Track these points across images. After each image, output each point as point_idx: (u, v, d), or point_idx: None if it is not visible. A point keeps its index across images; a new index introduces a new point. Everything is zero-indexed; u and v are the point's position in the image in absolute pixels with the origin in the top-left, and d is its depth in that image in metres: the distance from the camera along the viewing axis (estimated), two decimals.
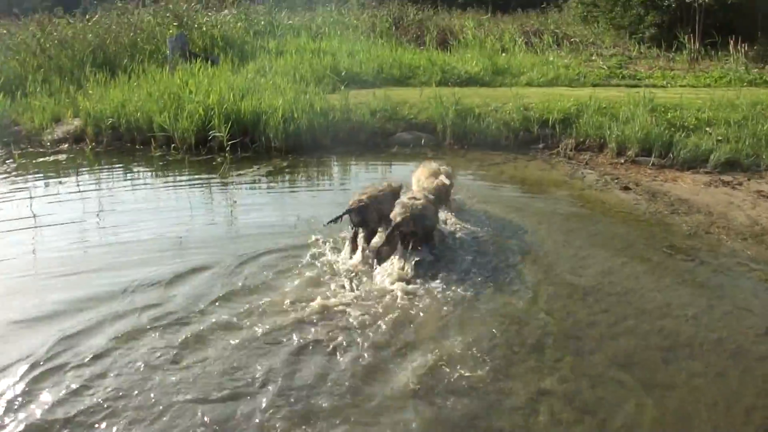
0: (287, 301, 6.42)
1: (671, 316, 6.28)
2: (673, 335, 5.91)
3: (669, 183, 10.71)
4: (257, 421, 4.65)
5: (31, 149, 13.97)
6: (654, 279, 7.09)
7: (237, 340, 5.70)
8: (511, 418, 4.73)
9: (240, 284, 6.85)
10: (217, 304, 6.42)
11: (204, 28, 21.99)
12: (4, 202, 10.22)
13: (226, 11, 24.50)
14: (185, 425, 4.60)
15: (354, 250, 7.56)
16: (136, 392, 4.99)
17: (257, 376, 5.17)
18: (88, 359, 5.42)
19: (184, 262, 7.44)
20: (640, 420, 4.74)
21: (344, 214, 7.48)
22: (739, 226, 8.68)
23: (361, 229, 7.61)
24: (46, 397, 4.94)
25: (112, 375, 5.21)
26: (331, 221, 7.53)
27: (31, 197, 10.45)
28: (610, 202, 9.79)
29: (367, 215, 7.52)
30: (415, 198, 7.58)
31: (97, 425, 4.63)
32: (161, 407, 4.79)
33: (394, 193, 8.11)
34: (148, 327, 5.96)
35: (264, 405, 4.80)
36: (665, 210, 9.39)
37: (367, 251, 7.50)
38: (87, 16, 21.43)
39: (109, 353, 5.52)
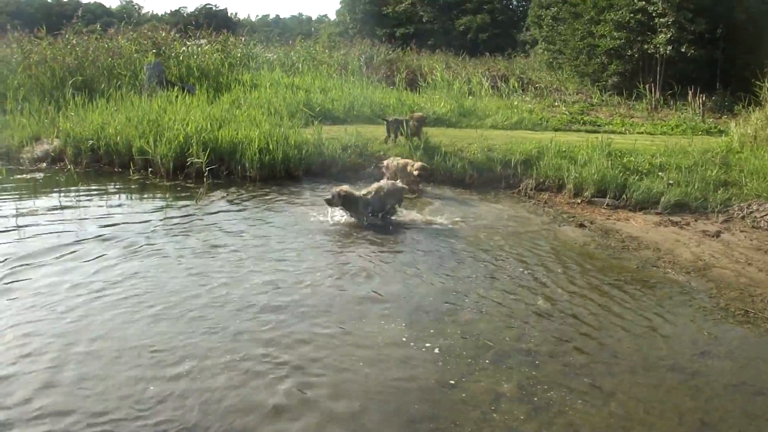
0: None
1: (617, 336, 6.95)
2: (618, 352, 6.58)
3: (621, 222, 11.42)
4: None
5: (10, 166, 14.29)
6: (603, 304, 7.76)
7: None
8: (471, 415, 5.31)
9: None
10: None
11: (181, 58, 22.44)
12: None
13: (204, 40, 24.99)
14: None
15: None
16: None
17: None
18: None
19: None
20: (587, 419, 5.37)
21: None
22: (684, 262, 9.40)
23: None
24: None
25: None
26: None
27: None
28: (567, 238, 10.45)
29: None
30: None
31: None
32: None
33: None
34: None
35: None
36: (617, 245, 10.10)
37: None
38: (67, 37, 21.70)
39: None
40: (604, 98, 25.82)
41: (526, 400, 5.54)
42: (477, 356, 6.27)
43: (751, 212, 11.71)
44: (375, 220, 10.75)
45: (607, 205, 12.37)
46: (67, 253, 8.75)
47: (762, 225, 11.23)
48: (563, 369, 6.13)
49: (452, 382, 5.78)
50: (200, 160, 13.44)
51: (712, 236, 10.69)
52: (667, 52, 24.34)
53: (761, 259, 9.62)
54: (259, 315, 7.06)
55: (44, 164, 14.68)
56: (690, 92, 22.55)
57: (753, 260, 9.57)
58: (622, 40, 26.16)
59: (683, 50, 24.12)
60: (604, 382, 5.94)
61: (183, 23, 28.83)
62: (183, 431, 4.95)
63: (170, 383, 5.58)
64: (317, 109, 17.72)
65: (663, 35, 24.38)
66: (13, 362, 5.87)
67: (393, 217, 11.00)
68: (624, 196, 12.48)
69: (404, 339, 6.61)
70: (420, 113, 15.52)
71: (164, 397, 5.36)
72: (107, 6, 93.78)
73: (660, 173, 13.10)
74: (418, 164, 12.63)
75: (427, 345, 6.47)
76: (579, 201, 12.66)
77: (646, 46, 25.30)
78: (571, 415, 5.37)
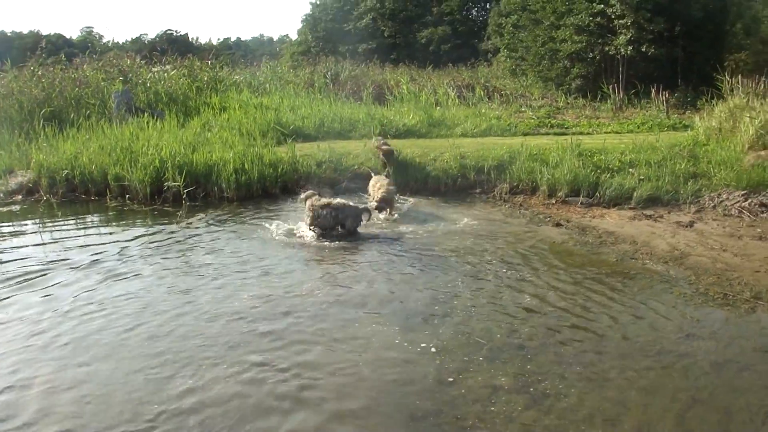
0: None
1: (604, 325, 7.17)
2: (606, 340, 6.81)
3: (597, 219, 11.69)
4: None
5: None
6: (586, 297, 7.98)
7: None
8: (472, 408, 5.48)
9: None
10: None
11: (148, 84, 22.45)
12: None
13: (169, 66, 25.01)
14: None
15: None
16: None
17: None
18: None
19: None
20: (583, 403, 5.56)
21: None
22: (661, 252, 9.66)
23: None
24: None
25: None
26: None
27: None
28: (545, 237, 10.68)
29: None
30: None
31: None
32: None
33: None
34: None
35: None
36: (594, 241, 10.35)
37: None
38: (32, 69, 21.62)
39: None
40: (569, 101, 26.27)
41: (523, 391, 5.71)
42: (471, 353, 6.44)
43: (722, 201, 12.03)
44: (327, 234, 10.81)
45: (582, 203, 12.63)
46: (51, 280, 8.80)
47: (733, 212, 11.55)
48: (556, 359, 6.32)
49: (450, 379, 5.94)
50: (177, 184, 13.50)
51: (686, 226, 10.97)
52: (628, 52, 24.87)
53: (735, 245, 9.91)
54: (252, 326, 7.18)
55: (19, 196, 14.59)
56: (653, 90, 23.01)
57: (727, 246, 9.86)
58: (583, 44, 26.66)
59: (644, 50, 24.66)
60: (596, 369, 6.14)
61: (146, 50, 28.88)
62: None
63: (171, 399, 5.65)
64: (290, 127, 17.83)
65: (623, 36, 24.90)
66: (9, 386, 5.92)
67: (361, 231, 11.10)
68: (597, 194, 12.76)
69: (399, 341, 6.76)
70: (386, 146, 14.64)
71: (168, 413, 5.43)
72: (68, 36, 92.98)
73: (630, 170, 13.40)
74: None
75: (423, 345, 6.63)
76: (554, 201, 12.91)
77: (607, 48, 25.83)
78: (568, 401, 5.56)
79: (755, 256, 9.43)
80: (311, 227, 10.82)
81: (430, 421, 5.30)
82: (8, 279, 8.86)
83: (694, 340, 6.78)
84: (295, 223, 11.45)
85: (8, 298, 8.18)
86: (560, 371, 6.08)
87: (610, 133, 18.51)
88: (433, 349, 6.53)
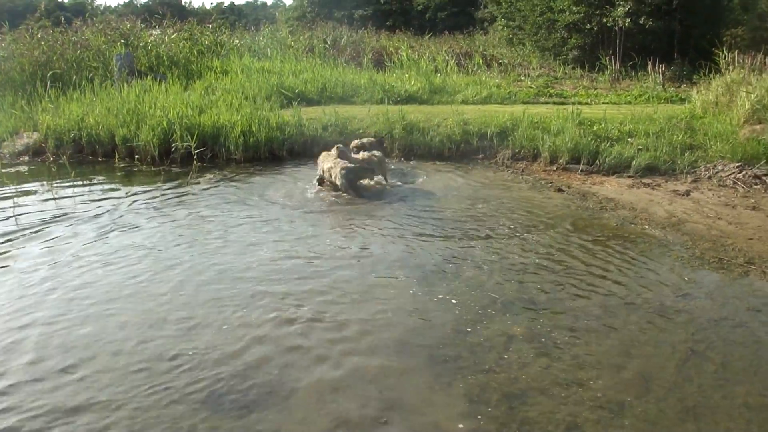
0: None
1: (607, 283, 7.63)
2: (610, 296, 7.27)
3: (597, 186, 12.07)
4: None
5: None
6: (590, 257, 8.42)
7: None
8: (489, 355, 5.94)
9: None
10: None
11: (149, 47, 22.54)
12: None
13: (170, 30, 25.07)
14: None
15: None
16: None
17: None
18: None
19: None
20: (590, 353, 6.02)
21: None
22: (659, 219, 10.07)
23: None
24: None
25: None
26: None
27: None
28: (547, 201, 11.08)
29: None
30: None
31: None
32: None
33: None
34: None
35: None
36: (595, 207, 10.75)
37: None
38: (32, 32, 21.68)
39: None
40: (566, 71, 26.49)
41: (535, 341, 6.16)
42: (485, 306, 6.89)
43: (717, 172, 12.40)
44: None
45: (582, 170, 12.99)
46: (63, 233, 9.36)
47: (728, 183, 11.94)
48: (563, 313, 6.77)
49: (468, 329, 6.39)
50: (188, 144, 13.81)
51: (683, 195, 11.37)
52: (626, 24, 25.07)
53: (729, 213, 10.32)
54: (271, 277, 7.68)
55: (26, 157, 14.84)
56: (649, 63, 23.28)
57: (722, 215, 10.26)
58: (581, 14, 26.83)
59: (641, 22, 24.87)
60: (601, 322, 6.59)
61: (141, 14, 28.85)
62: (234, 379, 5.47)
63: (201, 345, 6.09)
64: (295, 90, 18.11)
65: (621, 8, 25.10)
66: (51, 322, 6.45)
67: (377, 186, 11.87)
68: (597, 162, 13.10)
69: (418, 294, 7.23)
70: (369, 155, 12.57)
71: (202, 356, 5.86)
72: (59, 0, 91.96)
73: (629, 139, 13.75)
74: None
75: (440, 296, 7.10)
76: (554, 168, 13.27)
77: (605, 19, 26.00)
78: (576, 351, 6.01)
79: (748, 224, 9.84)
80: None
81: (450, 365, 5.75)
82: (22, 231, 9.42)
83: (691, 299, 7.22)
84: (305, 183, 11.85)
85: (20, 248, 8.73)
86: (569, 323, 6.53)
87: (608, 103, 18.76)
88: (449, 302, 6.98)
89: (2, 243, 8.91)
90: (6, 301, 7.05)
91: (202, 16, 44.09)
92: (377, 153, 12.32)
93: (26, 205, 10.91)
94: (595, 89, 22.00)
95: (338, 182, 11.28)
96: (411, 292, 7.27)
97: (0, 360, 5.86)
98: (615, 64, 24.84)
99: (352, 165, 11.46)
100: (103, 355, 5.92)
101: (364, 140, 13.11)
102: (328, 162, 11.61)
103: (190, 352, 5.95)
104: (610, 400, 5.25)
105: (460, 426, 4.91)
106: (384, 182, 12.06)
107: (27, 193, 11.77)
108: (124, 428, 4.91)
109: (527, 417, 5.02)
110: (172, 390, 5.37)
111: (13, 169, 13.81)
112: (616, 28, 25.73)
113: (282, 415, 5.09)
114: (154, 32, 24.92)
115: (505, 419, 4.99)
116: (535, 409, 5.11)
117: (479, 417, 5.02)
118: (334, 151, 11.86)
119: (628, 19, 24.97)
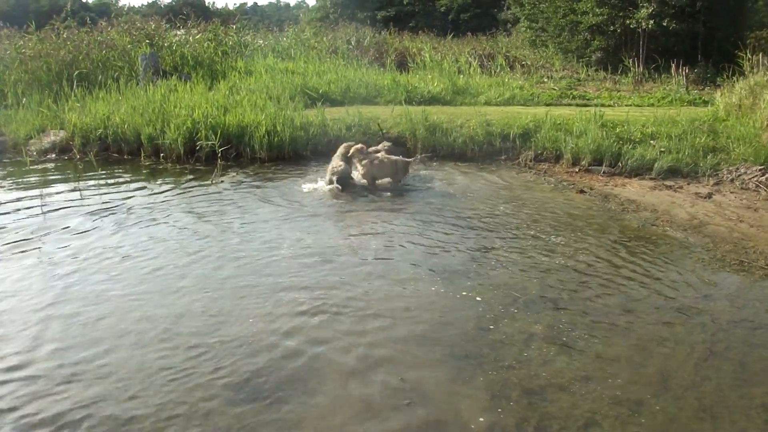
0: None
1: (628, 284, 7.69)
2: (630, 296, 7.34)
3: (619, 187, 12.11)
4: None
5: (19, 159, 14.72)
6: (611, 258, 8.48)
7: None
8: (509, 351, 6.04)
9: None
10: None
11: (174, 47, 22.80)
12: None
13: (194, 30, 25.31)
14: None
15: None
16: None
17: None
18: None
19: None
20: (609, 350, 6.10)
21: None
22: (681, 221, 10.10)
23: None
24: None
25: None
26: None
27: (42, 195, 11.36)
28: (569, 202, 11.15)
29: None
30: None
31: None
32: None
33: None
34: None
35: None
36: (617, 208, 10.80)
37: None
38: (58, 32, 22.00)
39: None
40: (589, 73, 26.44)
41: (556, 339, 6.25)
42: (507, 304, 6.98)
43: (740, 175, 12.39)
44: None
45: (604, 172, 13.02)
46: (90, 227, 9.67)
47: (750, 186, 11.94)
48: (584, 312, 6.85)
49: (490, 326, 6.49)
50: (213, 142, 14.00)
51: (705, 197, 11.38)
52: (649, 26, 24.99)
53: (751, 216, 10.33)
54: (294, 272, 7.85)
55: (53, 155, 15.13)
56: (673, 65, 23.20)
57: (744, 217, 10.28)
58: (605, 16, 26.78)
59: (665, 24, 24.78)
60: (621, 322, 6.66)
61: (166, 14, 29.14)
62: (260, 369, 5.62)
63: (226, 336, 6.25)
64: (319, 91, 18.28)
65: (644, 10, 25.02)
66: (75, 313, 6.64)
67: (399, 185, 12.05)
68: (619, 163, 13.13)
69: (440, 290, 7.36)
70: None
71: (228, 347, 6.02)
72: (84, 1, 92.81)
73: (652, 142, 13.76)
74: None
75: (463, 294, 7.21)
76: (577, 170, 13.32)
77: (628, 21, 25.94)
78: (596, 348, 6.09)
79: None
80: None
81: (472, 360, 5.85)
82: (48, 225, 9.76)
83: (711, 300, 7.27)
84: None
85: (45, 241, 9.01)
86: (589, 322, 6.61)
87: (630, 105, 18.76)
88: (472, 300, 7.09)
89: (29, 236, 9.19)
90: (32, 292, 7.28)
91: (225, 16, 44.36)
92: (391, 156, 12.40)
93: (53, 200, 11.17)
94: (618, 91, 21.98)
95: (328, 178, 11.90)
96: (434, 289, 7.38)
97: (26, 348, 6.06)
98: (638, 66, 24.78)
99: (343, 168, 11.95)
100: (126, 346, 6.11)
101: (379, 147, 13.27)
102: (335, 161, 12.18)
103: (214, 342, 6.13)
104: (629, 397, 5.33)
105: (481, 419, 5.01)
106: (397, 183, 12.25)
107: (54, 189, 12.02)
108: (150, 415, 5.06)
109: (547, 412, 5.11)
110: (197, 378, 5.53)
111: (40, 166, 14.10)
112: (640, 30, 25.65)
113: (307, 404, 5.23)
114: (178, 32, 25.15)
115: (525, 414, 5.08)
116: (555, 405, 5.20)
117: (500, 410, 5.13)
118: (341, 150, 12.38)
119: (651, 21, 24.89)
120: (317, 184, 12.02)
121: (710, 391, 5.47)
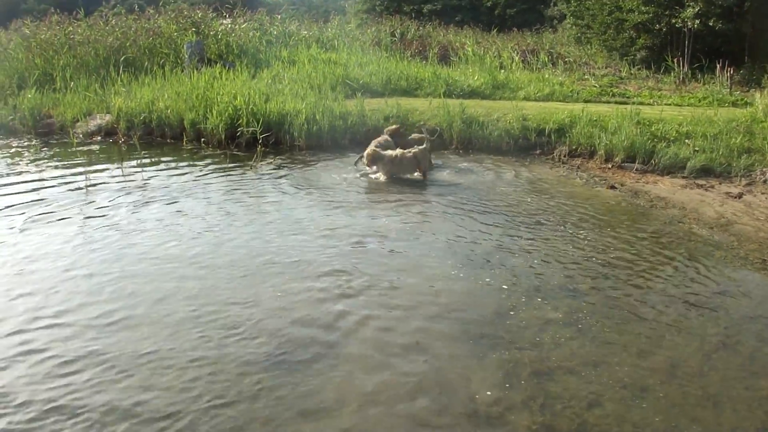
0: None
1: (648, 276, 7.88)
2: (649, 288, 7.54)
3: (650, 185, 12.20)
4: None
5: (65, 140, 15.35)
6: (634, 252, 8.65)
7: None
8: (525, 334, 6.31)
9: None
10: None
11: (219, 36, 23.25)
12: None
13: (241, 19, 25.74)
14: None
15: None
16: None
17: None
18: None
19: None
20: (621, 337, 6.33)
21: None
22: (708, 219, 10.20)
23: None
24: None
25: None
26: None
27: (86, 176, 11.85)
28: (599, 197, 11.29)
29: None
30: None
31: None
32: None
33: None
34: None
35: None
36: (645, 204, 10.93)
37: None
38: (107, 18, 22.62)
39: None
40: (632, 72, 26.27)
41: (571, 325, 6.48)
42: (528, 292, 7.23)
43: None
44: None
45: (636, 169, 13.09)
46: (134, 205, 10.22)
47: None
48: (602, 301, 7.07)
49: (510, 312, 6.76)
50: (254, 129, 14.42)
51: (735, 197, 11.42)
52: (695, 25, 24.75)
53: None
54: (323, 254, 8.22)
55: (98, 137, 15.68)
56: (718, 66, 22.98)
57: None
58: (650, 14, 26.53)
59: (711, 24, 24.51)
60: (636, 311, 6.87)
61: (209, 3, 29.62)
62: (285, 343, 5.95)
63: (256, 313, 6.61)
64: (360, 82, 18.56)
65: (691, 9, 24.75)
66: (113, 285, 7.00)
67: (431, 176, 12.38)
68: (652, 161, 13.18)
69: (464, 276, 7.63)
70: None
71: (256, 321, 6.39)
72: None
73: (686, 140, 13.76)
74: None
75: (486, 280, 7.49)
76: (610, 166, 13.40)
77: (674, 20, 25.70)
78: (608, 335, 6.31)
79: None
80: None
81: (487, 341, 6.14)
82: (91, 203, 10.35)
83: (728, 296, 7.40)
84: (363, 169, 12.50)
85: (86, 219, 9.49)
86: (606, 311, 6.82)
87: (670, 105, 18.70)
88: (494, 287, 7.35)
89: (75, 213, 9.72)
90: (80, 266, 7.74)
91: (272, 6, 44.86)
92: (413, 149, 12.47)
93: (96, 178, 11.75)
94: (660, 90, 21.85)
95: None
96: (459, 275, 7.65)
97: (61, 300, 6.75)
98: (683, 66, 24.57)
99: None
100: (157, 303, 6.76)
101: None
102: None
103: (243, 316, 6.49)
104: (635, 382, 5.53)
105: (488, 393, 5.28)
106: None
107: (98, 169, 12.61)
108: (176, 382, 5.41)
109: (553, 392, 5.35)
110: (225, 349, 5.90)
111: (85, 147, 14.65)
112: (685, 30, 25.41)
113: (329, 374, 5.57)
114: (224, 21, 25.60)
115: (532, 392, 5.32)
116: (561, 386, 5.43)
117: (508, 386, 5.39)
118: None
119: (698, 21, 24.64)
120: (355, 171, 12.33)
121: (716, 381, 5.64)
